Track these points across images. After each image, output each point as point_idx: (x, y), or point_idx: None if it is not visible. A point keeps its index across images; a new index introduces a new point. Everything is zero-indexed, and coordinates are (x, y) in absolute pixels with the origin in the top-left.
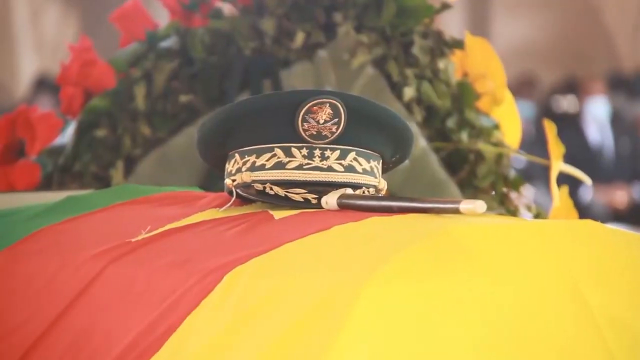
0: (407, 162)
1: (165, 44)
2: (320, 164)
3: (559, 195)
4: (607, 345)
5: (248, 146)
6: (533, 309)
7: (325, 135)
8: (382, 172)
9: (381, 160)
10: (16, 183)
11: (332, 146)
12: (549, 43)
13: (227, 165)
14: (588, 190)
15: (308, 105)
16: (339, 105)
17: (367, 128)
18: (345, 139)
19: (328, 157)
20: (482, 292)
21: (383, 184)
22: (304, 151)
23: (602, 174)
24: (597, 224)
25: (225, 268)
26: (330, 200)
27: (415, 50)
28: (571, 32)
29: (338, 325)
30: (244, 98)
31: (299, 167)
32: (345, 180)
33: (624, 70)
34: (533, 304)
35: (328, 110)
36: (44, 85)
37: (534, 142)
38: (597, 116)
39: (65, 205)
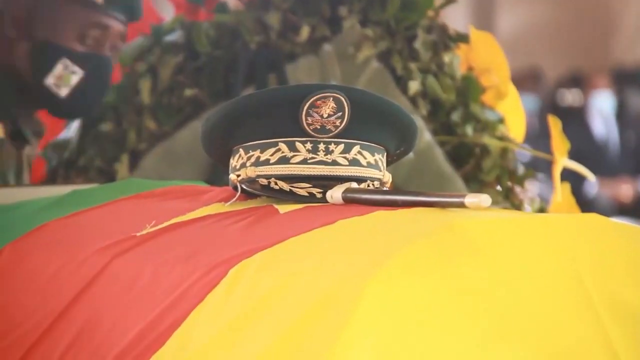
0: (412, 155)
1: (170, 38)
2: (324, 158)
3: (561, 192)
4: (610, 339)
5: (252, 141)
6: (537, 303)
7: (329, 129)
8: (387, 165)
9: (385, 153)
10: None
11: (336, 140)
12: (553, 37)
13: (231, 160)
14: (593, 184)
15: (312, 99)
16: (343, 99)
17: (370, 121)
18: (349, 133)
19: (332, 151)
20: (487, 286)
21: (388, 177)
22: (308, 145)
23: (607, 167)
24: (602, 217)
25: (230, 262)
26: (335, 194)
27: (418, 44)
28: (575, 25)
29: (343, 319)
30: (248, 93)
31: (304, 162)
32: (350, 174)
33: (628, 63)
34: (537, 298)
35: (332, 104)
36: None
37: (538, 136)
38: (603, 110)
39: (70, 200)
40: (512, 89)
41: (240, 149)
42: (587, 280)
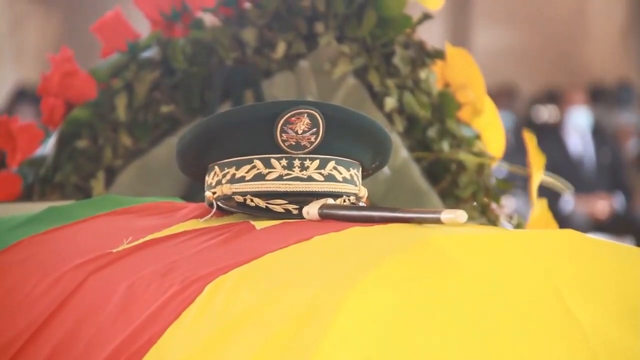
0: (388, 172)
1: (146, 54)
2: (300, 174)
3: (538, 208)
4: (595, 354)
5: (227, 158)
6: (515, 318)
7: (304, 145)
8: (362, 179)
9: (361, 168)
10: None
11: (311, 156)
12: (529, 55)
13: (207, 178)
14: (569, 200)
15: (286, 116)
16: (317, 115)
17: (345, 136)
18: (324, 149)
19: (308, 167)
20: (464, 302)
21: (363, 192)
22: (284, 162)
23: (583, 184)
24: (578, 233)
25: (206, 278)
26: (311, 210)
27: (397, 60)
28: (553, 41)
29: (321, 334)
30: (224, 109)
31: (279, 178)
32: (326, 190)
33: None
34: (515, 313)
35: (306, 120)
36: (24, 95)
37: (514, 152)
38: (578, 126)
39: (47, 216)
40: (489, 105)
41: (216, 167)
42: (566, 295)
